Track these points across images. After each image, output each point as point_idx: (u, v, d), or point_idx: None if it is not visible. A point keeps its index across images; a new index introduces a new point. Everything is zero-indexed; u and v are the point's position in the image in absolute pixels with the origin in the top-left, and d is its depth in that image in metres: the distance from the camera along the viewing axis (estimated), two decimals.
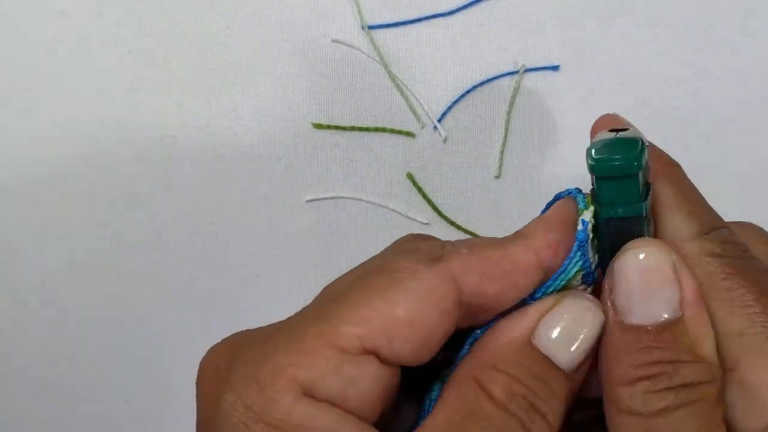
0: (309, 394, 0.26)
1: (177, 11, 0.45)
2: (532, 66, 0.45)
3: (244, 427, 0.25)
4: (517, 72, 0.45)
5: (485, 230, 0.45)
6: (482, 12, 0.45)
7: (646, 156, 0.26)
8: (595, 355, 0.29)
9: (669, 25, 0.45)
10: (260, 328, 0.28)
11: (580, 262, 0.29)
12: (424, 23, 0.45)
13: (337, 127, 0.45)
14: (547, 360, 0.28)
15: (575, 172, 0.45)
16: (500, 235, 0.30)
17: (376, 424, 0.27)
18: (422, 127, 0.45)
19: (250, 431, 0.25)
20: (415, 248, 0.29)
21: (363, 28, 0.45)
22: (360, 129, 0.45)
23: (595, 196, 0.28)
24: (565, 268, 0.29)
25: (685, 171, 0.30)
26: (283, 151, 0.45)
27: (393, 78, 0.45)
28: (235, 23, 0.45)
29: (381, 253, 0.30)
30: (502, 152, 0.45)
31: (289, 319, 0.28)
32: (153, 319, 0.45)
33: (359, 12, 0.45)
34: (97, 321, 0.45)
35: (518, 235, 0.29)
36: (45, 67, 0.45)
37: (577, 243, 0.29)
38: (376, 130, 0.45)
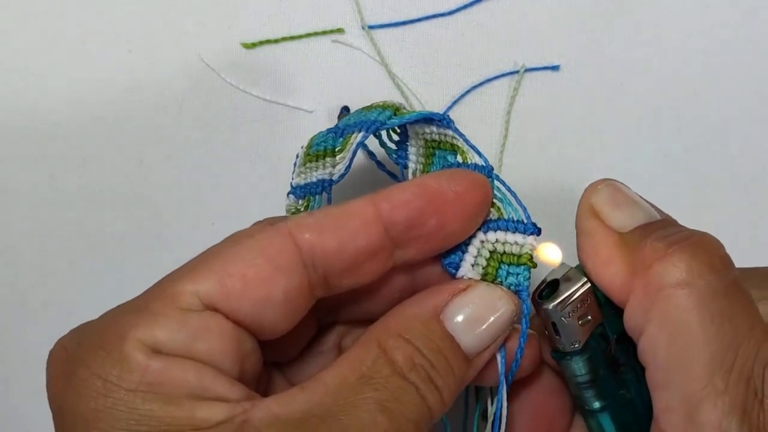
0: (157, 351, 0.25)
1: (177, 11, 0.45)
2: (532, 66, 0.45)
3: (104, 398, 0.24)
4: (517, 72, 0.45)
5: None
6: (482, 12, 0.45)
7: None
8: (496, 349, 0.30)
9: (669, 25, 0.45)
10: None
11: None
12: (424, 23, 0.45)
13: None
14: (451, 338, 0.28)
15: (575, 172, 0.45)
16: None
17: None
18: None
19: (110, 402, 0.24)
20: (263, 221, 0.31)
21: (363, 28, 0.45)
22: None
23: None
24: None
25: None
26: (284, 149, 0.45)
27: (393, 78, 0.45)
28: (236, 24, 0.45)
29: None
30: (502, 152, 0.45)
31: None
32: None
33: (359, 12, 0.45)
34: None
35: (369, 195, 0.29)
36: (44, 65, 0.45)
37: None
38: None
